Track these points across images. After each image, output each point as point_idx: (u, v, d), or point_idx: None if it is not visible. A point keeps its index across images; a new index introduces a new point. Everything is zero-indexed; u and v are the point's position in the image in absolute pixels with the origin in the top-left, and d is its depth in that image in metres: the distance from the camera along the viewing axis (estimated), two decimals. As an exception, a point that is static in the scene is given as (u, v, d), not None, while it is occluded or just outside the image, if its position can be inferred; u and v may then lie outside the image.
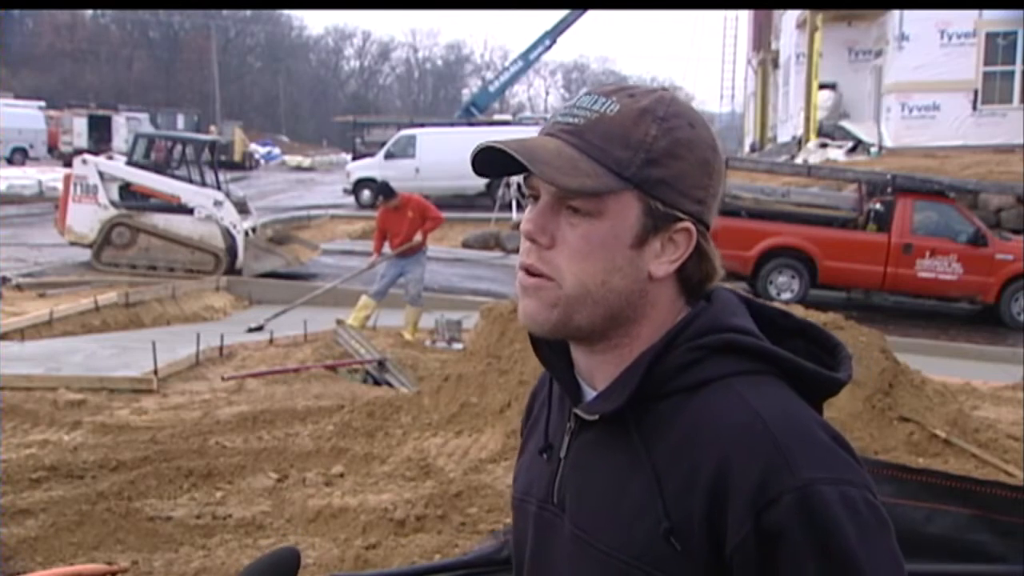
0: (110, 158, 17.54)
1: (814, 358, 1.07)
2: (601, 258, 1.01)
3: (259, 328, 10.43)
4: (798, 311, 5.02)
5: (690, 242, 1.04)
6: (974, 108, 21.07)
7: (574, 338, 1.07)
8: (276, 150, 53.87)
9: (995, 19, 20.72)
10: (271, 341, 9.63)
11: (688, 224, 1.03)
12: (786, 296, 13.09)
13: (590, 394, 1.09)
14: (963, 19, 20.76)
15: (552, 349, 1.11)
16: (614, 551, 1.01)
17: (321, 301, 11.63)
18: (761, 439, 0.96)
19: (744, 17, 37.06)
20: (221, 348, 8.98)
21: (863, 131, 22.10)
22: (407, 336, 10.36)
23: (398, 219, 10.58)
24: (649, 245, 1.03)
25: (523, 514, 1.16)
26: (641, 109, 1.02)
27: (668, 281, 1.05)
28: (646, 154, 1.00)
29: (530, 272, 1.04)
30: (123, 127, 40.86)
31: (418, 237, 10.61)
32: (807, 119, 22.54)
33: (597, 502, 1.04)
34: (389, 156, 25.68)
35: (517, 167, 1.00)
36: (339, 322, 9.73)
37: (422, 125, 30.62)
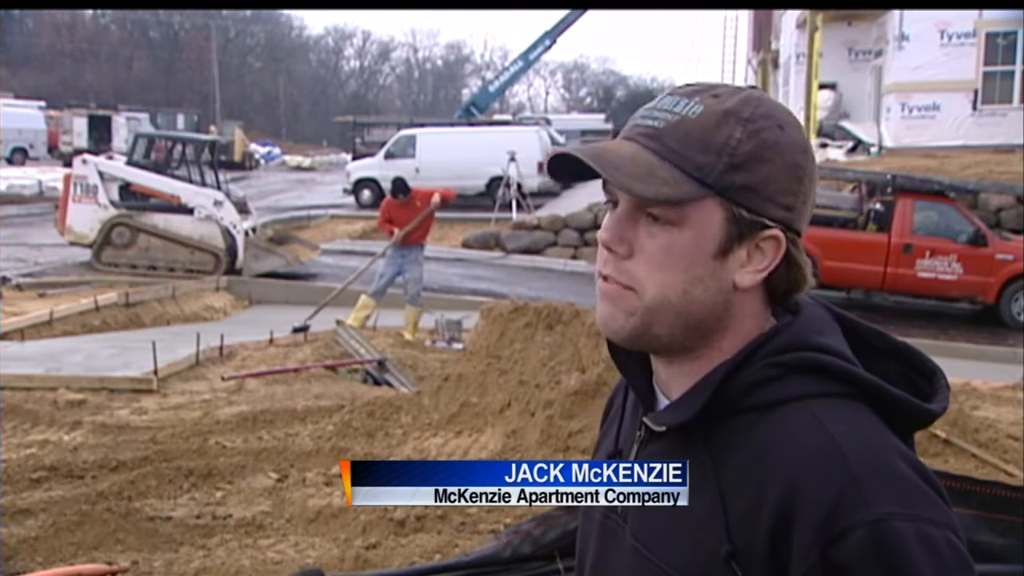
0: (110, 158, 17.55)
1: (908, 384, 1.00)
2: (682, 269, 0.97)
3: (304, 328, 10.37)
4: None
5: (778, 251, 0.98)
6: (974, 108, 21.05)
7: (652, 349, 1.03)
8: (276, 150, 53.85)
9: (995, 19, 20.69)
10: (271, 341, 9.63)
11: (776, 232, 0.98)
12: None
13: (664, 403, 1.04)
14: (963, 19, 20.73)
15: (629, 354, 1.07)
16: (672, 569, 0.97)
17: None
18: (834, 465, 0.89)
19: (744, 17, 37.04)
20: (221, 348, 8.98)
21: (863, 131, 22.07)
22: (407, 336, 10.36)
23: (408, 211, 10.61)
24: (734, 254, 0.97)
25: (589, 520, 1.13)
26: (725, 111, 0.96)
27: (754, 291, 1.00)
28: (729, 159, 0.95)
29: (608, 282, 1.00)
30: (123, 127, 40.77)
31: (436, 199, 10.62)
32: (807, 119, 22.47)
33: (659, 516, 0.99)
34: (389, 156, 25.63)
35: (592, 172, 0.95)
36: (339, 322, 9.74)
37: (422, 125, 30.59)
